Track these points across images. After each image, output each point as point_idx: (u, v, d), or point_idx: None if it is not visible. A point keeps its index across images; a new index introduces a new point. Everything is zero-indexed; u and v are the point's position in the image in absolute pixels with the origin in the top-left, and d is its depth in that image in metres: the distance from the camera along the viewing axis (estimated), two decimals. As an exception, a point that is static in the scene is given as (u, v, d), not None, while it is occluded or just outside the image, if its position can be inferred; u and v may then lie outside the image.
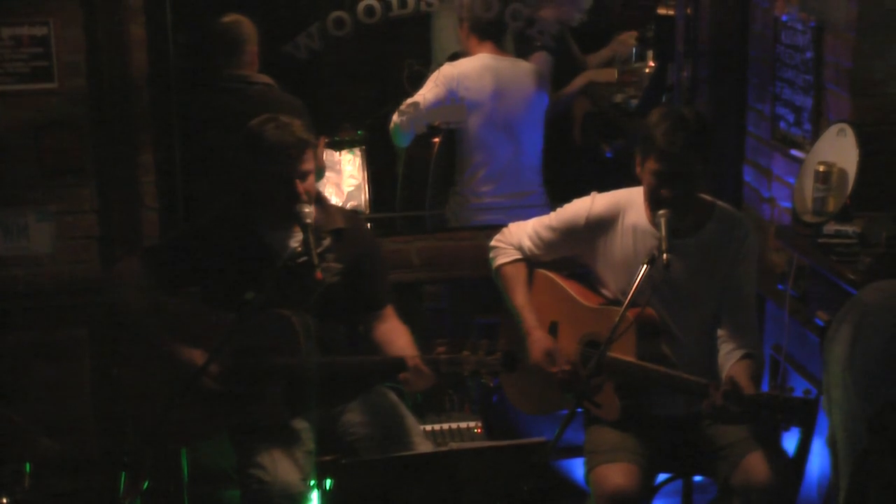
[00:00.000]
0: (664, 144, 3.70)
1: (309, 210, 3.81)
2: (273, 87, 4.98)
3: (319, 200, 3.98)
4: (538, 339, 3.97)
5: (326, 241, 3.86)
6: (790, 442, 3.94)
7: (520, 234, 4.14)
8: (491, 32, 5.42)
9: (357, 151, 5.63)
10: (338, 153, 5.59)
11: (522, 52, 5.75)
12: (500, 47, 5.48)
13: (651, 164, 3.74)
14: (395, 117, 5.38)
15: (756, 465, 3.68)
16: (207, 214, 4.07)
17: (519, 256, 4.13)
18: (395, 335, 4.01)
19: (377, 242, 4.25)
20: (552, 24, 5.72)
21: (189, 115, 4.89)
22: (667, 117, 3.74)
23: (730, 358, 3.77)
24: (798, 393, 3.56)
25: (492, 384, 3.92)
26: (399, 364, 3.81)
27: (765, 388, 4.51)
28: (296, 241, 3.88)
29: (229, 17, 5.01)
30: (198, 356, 3.79)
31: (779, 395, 3.52)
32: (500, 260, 4.14)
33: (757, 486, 3.65)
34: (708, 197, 3.95)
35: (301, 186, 3.84)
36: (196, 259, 3.95)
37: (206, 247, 3.95)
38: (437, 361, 3.78)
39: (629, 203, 3.94)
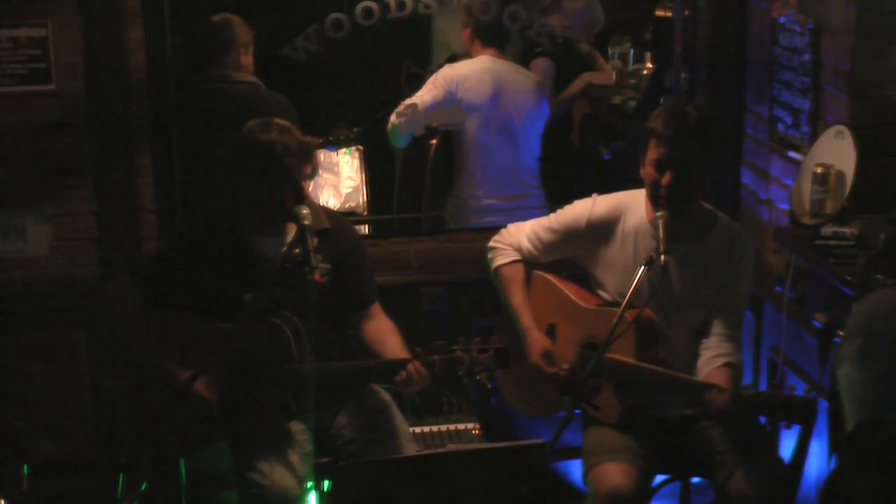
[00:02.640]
0: (662, 129, 3.73)
1: (307, 212, 3.80)
2: (258, 86, 4.94)
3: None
4: (535, 340, 3.97)
5: (314, 241, 3.84)
6: (788, 442, 3.94)
7: (519, 236, 4.14)
8: (494, 38, 5.42)
9: (355, 153, 5.62)
10: (336, 154, 5.58)
11: (524, 58, 5.75)
12: (502, 53, 5.47)
13: (650, 154, 3.76)
14: (393, 119, 5.37)
15: (752, 473, 3.67)
16: (193, 222, 4.05)
17: (517, 257, 4.12)
18: (385, 333, 4.02)
19: (361, 239, 4.28)
20: (554, 28, 5.72)
21: (182, 117, 4.88)
22: (668, 109, 3.81)
23: (710, 364, 3.79)
24: (799, 392, 3.57)
25: (489, 386, 3.91)
26: (397, 366, 3.81)
27: (762, 388, 4.52)
28: (285, 245, 3.86)
29: (218, 17, 4.98)
30: (183, 374, 3.76)
31: (779, 393, 3.52)
32: (499, 261, 4.13)
33: (753, 495, 3.65)
34: (710, 207, 3.96)
35: (305, 189, 3.84)
36: (186, 270, 3.93)
37: (195, 256, 3.94)
38: (432, 362, 3.78)
39: (630, 205, 3.95)
